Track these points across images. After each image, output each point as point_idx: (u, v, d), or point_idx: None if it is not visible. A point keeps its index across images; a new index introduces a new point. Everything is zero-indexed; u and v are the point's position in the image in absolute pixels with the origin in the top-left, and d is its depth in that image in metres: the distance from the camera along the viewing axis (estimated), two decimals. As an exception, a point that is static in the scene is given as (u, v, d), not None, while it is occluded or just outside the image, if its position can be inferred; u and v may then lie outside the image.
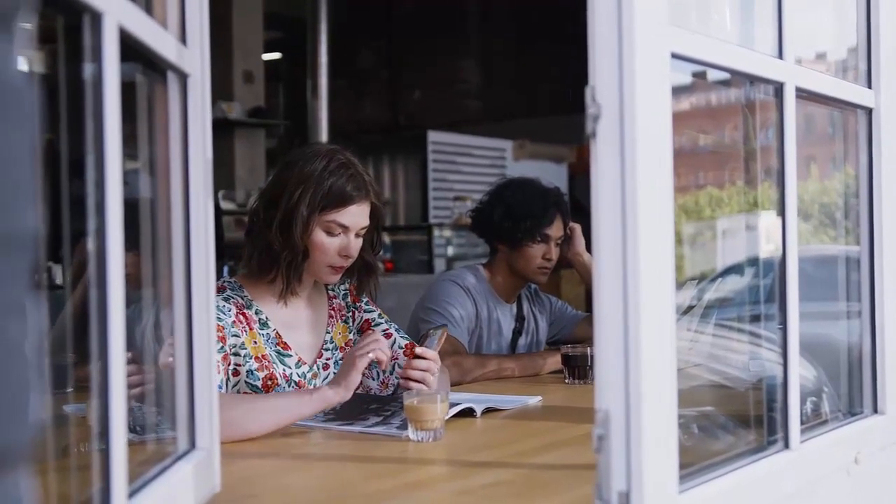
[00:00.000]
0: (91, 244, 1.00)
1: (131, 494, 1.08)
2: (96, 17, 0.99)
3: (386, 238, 7.77)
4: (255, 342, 2.17)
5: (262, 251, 2.18)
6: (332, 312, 2.36)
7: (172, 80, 1.34)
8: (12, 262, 0.58)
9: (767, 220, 1.92)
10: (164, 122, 1.35)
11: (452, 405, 2.03)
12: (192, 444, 1.36)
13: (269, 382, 2.16)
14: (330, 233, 2.17)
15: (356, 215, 2.18)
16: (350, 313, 2.39)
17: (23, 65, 0.61)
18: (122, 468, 1.01)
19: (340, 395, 1.96)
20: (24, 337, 0.59)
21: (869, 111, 1.81)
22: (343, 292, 2.40)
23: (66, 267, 1.24)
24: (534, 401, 2.34)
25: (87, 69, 1.01)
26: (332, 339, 2.33)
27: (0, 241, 0.57)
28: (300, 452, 1.81)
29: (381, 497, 1.51)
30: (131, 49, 1.11)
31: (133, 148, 1.30)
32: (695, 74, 1.46)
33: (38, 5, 0.65)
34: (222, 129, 7.03)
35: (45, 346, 0.65)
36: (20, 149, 0.58)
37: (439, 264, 7.47)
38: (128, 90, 1.08)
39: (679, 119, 1.25)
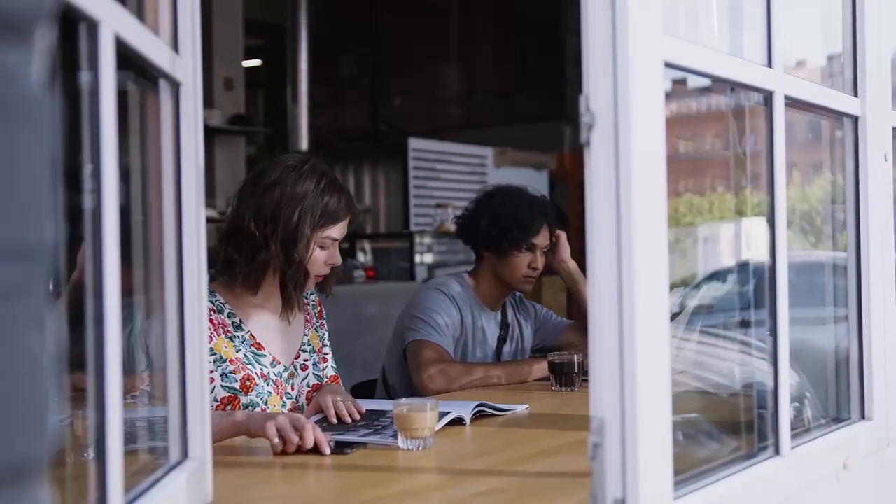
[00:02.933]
0: (87, 252, 1.00)
1: (126, 505, 1.07)
2: (93, 26, 0.99)
3: (367, 245, 7.76)
4: (226, 346, 2.22)
5: (259, 268, 2.23)
6: (309, 317, 2.45)
7: (164, 88, 1.33)
8: (31, 274, 0.58)
9: (749, 227, 1.93)
10: (156, 130, 1.34)
11: (442, 414, 2.03)
12: (185, 455, 1.36)
13: (248, 383, 2.21)
14: (322, 247, 2.27)
15: (344, 227, 2.31)
16: (319, 323, 2.49)
17: (40, 77, 0.60)
18: (119, 478, 1.01)
19: (242, 427, 1.93)
20: (43, 349, 0.59)
21: (855, 119, 1.82)
22: (312, 303, 2.49)
23: (61, 276, 1.24)
24: (521, 409, 2.34)
25: (83, 77, 1.01)
26: (308, 341, 2.41)
27: (19, 253, 0.57)
28: (291, 462, 1.81)
29: (373, 506, 1.51)
30: (124, 57, 1.11)
31: (125, 156, 1.30)
32: (675, 81, 1.47)
33: (55, 14, 0.64)
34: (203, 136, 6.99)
35: (63, 358, 0.64)
36: (39, 160, 0.58)
37: (421, 272, 7.46)
38: (119, 98, 1.07)
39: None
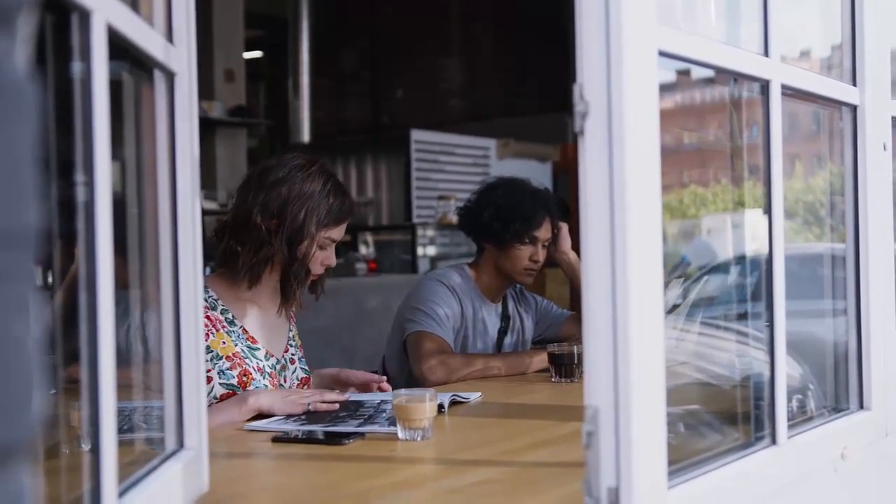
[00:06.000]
0: (80, 245, 1.00)
1: (121, 494, 1.08)
2: (85, 15, 0.99)
3: (369, 238, 7.77)
4: (224, 342, 2.25)
5: (262, 262, 2.26)
6: (292, 315, 2.49)
7: (159, 78, 1.33)
8: (16, 259, 0.58)
9: (752, 219, 1.93)
10: (151, 121, 1.34)
11: None
12: (181, 444, 1.36)
13: (245, 378, 2.24)
14: (321, 247, 2.31)
15: (343, 230, 2.36)
16: (295, 322, 2.53)
17: (24, 64, 0.61)
18: (113, 468, 1.01)
19: (265, 405, 2.11)
20: (28, 333, 0.60)
21: (853, 108, 1.82)
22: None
23: (50, 269, 1.24)
24: (475, 396, 2.38)
25: (75, 67, 1.01)
26: (293, 336, 2.46)
27: (4, 238, 0.57)
28: (288, 452, 1.81)
29: (370, 496, 1.51)
30: (118, 47, 1.10)
31: (119, 147, 1.30)
32: (679, 72, 1.47)
33: (38, 5, 0.65)
34: (203, 129, 6.92)
35: (45, 343, 0.65)
36: (23, 147, 0.59)
37: (423, 264, 7.47)
38: (113, 88, 1.07)
39: (663, 117, 1.26)
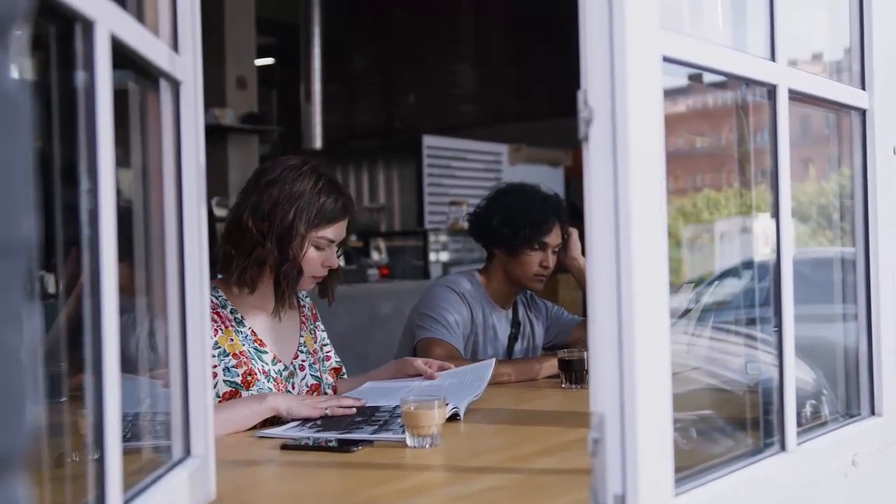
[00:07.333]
0: (84, 252, 1.00)
1: (126, 502, 1.08)
2: (88, 25, 0.99)
3: (381, 244, 7.77)
4: (232, 339, 2.26)
5: (255, 264, 2.26)
6: (304, 319, 2.48)
7: (164, 87, 1.33)
8: (9, 270, 0.58)
9: (764, 223, 1.92)
10: (157, 129, 1.34)
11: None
12: (188, 452, 1.36)
13: (249, 378, 2.24)
14: (318, 247, 2.30)
15: (341, 229, 2.34)
16: (314, 325, 2.52)
17: (17, 73, 0.61)
18: (118, 476, 1.01)
19: (282, 407, 2.10)
20: (21, 344, 0.60)
21: (862, 112, 1.81)
22: (307, 305, 2.53)
23: (60, 276, 1.24)
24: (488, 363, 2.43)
25: (79, 77, 1.01)
26: (304, 342, 2.45)
27: (-2, 249, 0.58)
28: (296, 460, 1.81)
29: (378, 503, 1.51)
30: (123, 56, 1.11)
31: (125, 155, 1.30)
32: (691, 77, 1.46)
33: (32, 14, 0.65)
34: (215, 136, 7.00)
35: (41, 354, 0.65)
36: (16, 157, 0.59)
37: (435, 270, 7.46)
38: (119, 97, 1.08)
39: (675, 121, 1.25)
